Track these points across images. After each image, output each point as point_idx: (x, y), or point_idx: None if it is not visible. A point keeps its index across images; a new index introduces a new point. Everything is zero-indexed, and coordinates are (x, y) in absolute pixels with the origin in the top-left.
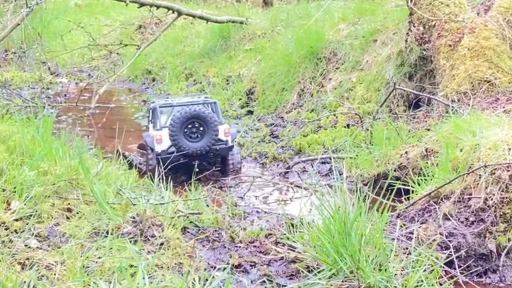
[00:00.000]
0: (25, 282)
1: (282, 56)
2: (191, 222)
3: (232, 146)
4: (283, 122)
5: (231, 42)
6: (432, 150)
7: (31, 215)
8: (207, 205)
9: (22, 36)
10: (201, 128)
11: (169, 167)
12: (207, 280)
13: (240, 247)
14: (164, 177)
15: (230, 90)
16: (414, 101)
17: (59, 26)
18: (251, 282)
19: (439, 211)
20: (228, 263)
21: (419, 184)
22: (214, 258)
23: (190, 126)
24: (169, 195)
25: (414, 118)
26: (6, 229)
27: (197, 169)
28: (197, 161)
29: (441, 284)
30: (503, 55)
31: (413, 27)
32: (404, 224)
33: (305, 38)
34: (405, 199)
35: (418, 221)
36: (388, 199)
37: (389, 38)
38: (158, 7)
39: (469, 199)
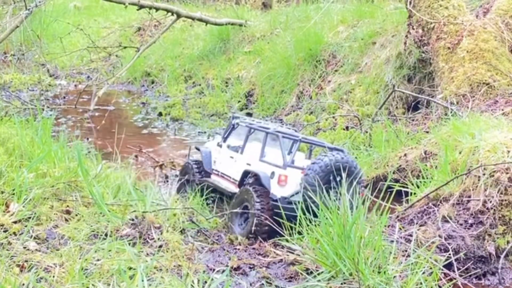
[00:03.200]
0: (23, 284)
1: (281, 58)
2: (190, 224)
3: None
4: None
5: (230, 44)
6: (431, 153)
7: (30, 217)
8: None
9: (21, 38)
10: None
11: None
12: (206, 282)
13: (239, 249)
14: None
15: (229, 92)
16: (413, 104)
17: (58, 28)
18: (250, 284)
19: (438, 214)
20: (227, 266)
21: (418, 187)
22: (213, 260)
23: (331, 177)
24: (168, 198)
25: (413, 120)
26: (4, 231)
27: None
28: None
29: (440, 287)
30: (502, 58)
31: (412, 30)
32: (403, 227)
33: (304, 40)
34: (404, 201)
35: (417, 223)
36: (387, 202)
37: (388, 40)
38: (157, 9)
39: (468, 201)
